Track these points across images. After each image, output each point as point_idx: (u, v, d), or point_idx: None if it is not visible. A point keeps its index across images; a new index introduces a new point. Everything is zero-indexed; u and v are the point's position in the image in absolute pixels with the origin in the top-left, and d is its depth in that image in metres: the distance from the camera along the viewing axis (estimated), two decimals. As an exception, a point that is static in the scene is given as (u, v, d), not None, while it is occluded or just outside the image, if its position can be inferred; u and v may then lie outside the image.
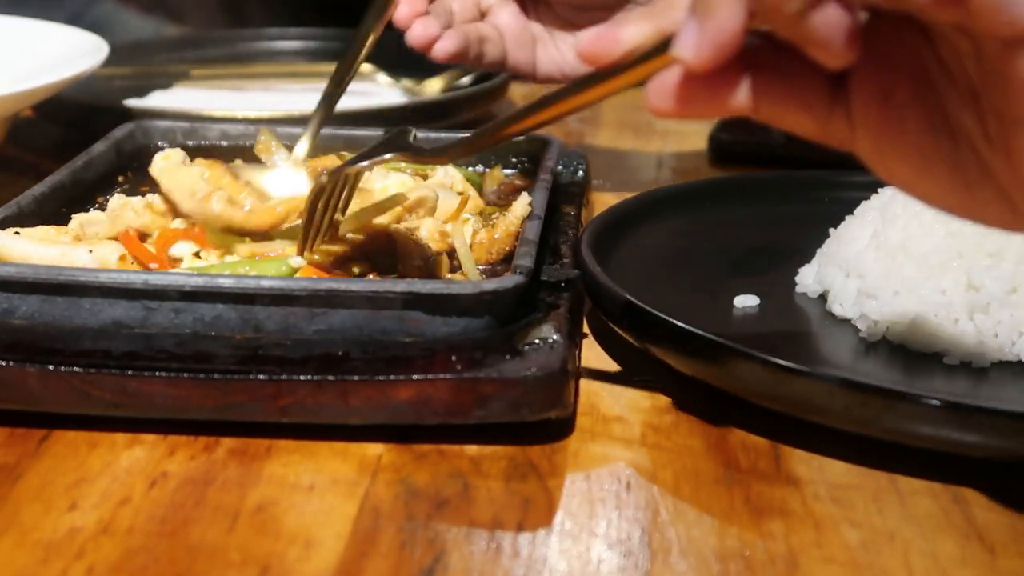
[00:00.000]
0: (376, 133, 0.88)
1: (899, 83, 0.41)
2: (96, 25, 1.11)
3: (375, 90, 1.18)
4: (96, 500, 0.53)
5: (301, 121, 0.93)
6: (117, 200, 0.71)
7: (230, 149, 0.88)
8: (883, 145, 0.41)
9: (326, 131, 0.88)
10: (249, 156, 0.86)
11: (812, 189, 0.87)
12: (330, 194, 0.66)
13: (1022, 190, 0.39)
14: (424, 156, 0.62)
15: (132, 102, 1.08)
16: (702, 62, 0.40)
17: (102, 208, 0.77)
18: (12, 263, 0.64)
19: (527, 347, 0.58)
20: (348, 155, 0.84)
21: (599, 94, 0.47)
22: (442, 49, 0.84)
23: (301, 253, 0.66)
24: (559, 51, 0.89)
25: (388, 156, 0.64)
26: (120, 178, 0.84)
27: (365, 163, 0.65)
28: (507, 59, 0.89)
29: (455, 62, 0.86)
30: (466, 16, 0.88)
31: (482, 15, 0.89)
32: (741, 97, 0.42)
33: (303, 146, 0.83)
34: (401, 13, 0.84)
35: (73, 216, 0.71)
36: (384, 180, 0.78)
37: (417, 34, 0.84)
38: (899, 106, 0.40)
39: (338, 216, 0.68)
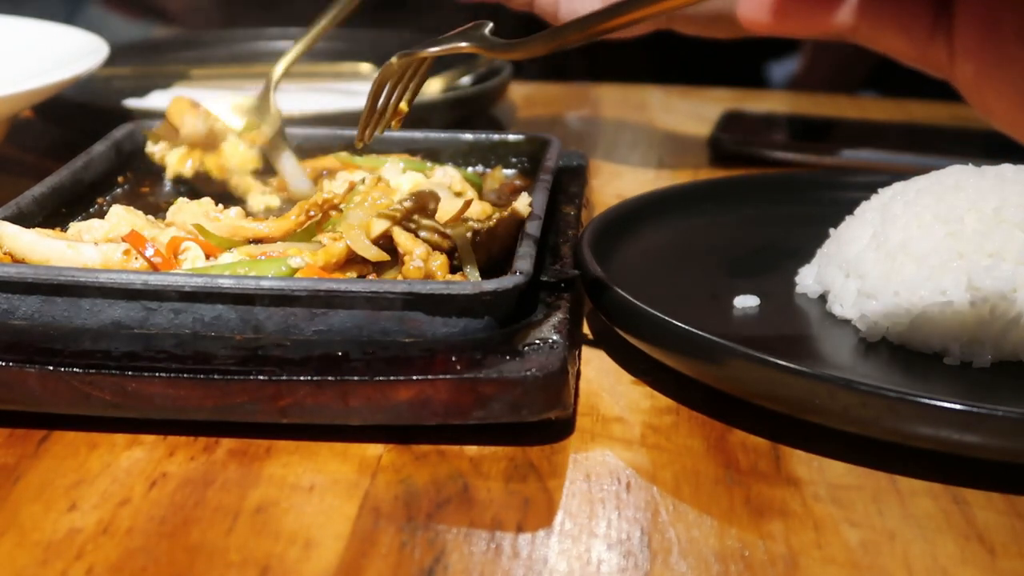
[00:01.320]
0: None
1: (1007, 13, 0.39)
2: (96, 26, 1.11)
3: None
4: (96, 501, 0.53)
5: (301, 121, 0.93)
6: (117, 211, 0.71)
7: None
8: (983, 78, 0.40)
9: (326, 131, 0.88)
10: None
11: (812, 189, 0.87)
12: (396, 81, 0.64)
13: None
14: (499, 50, 0.58)
15: (132, 102, 1.08)
16: None
17: (101, 209, 0.77)
18: (12, 264, 0.64)
19: (527, 348, 0.58)
20: (348, 156, 0.84)
21: None
22: None
23: (359, 143, 0.65)
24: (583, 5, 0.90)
25: (463, 45, 0.59)
26: (120, 179, 0.84)
27: (436, 49, 0.61)
28: (534, 1, 0.90)
29: None
30: None
31: None
32: (841, 14, 0.40)
33: (279, 68, 0.87)
34: None
35: (71, 224, 0.71)
36: (397, 177, 0.78)
37: None
38: (1004, 38, 0.38)
39: (403, 106, 0.65)
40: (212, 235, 0.69)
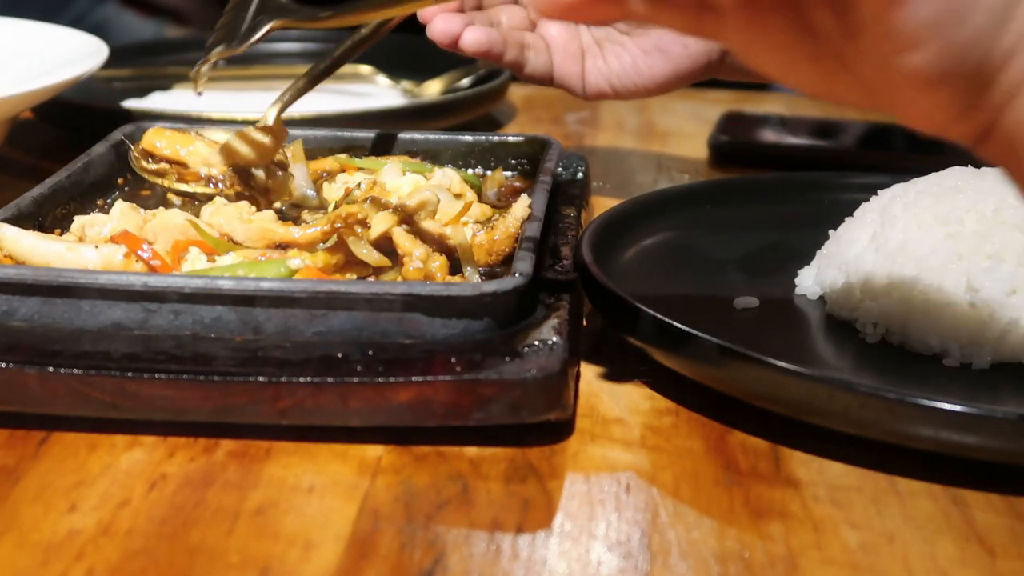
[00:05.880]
0: (373, 134, 0.88)
1: None
2: (97, 28, 1.11)
3: (374, 92, 1.18)
4: (96, 502, 0.53)
5: (300, 123, 0.93)
6: (120, 207, 0.71)
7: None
8: (750, 44, 0.45)
9: (326, 132, 0.88)
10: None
11: (812, 190, 0.87)
12: None
13: (874, 76, 0.43)
14: (303, 19, 0.57)
15: (132, 104, 1.08)
16: None
17: (102, 211, 0.77)
18: (12, 265, 0.64)
19: (526, 349, 0.58)
20: (347, 159, 0.84)
21: None
22: (470, 40, 0.82)
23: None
24: (607, 64, 0.87)
25: (269, 26, 0.57)
26: (120, 180, 0.84)
27: (247, 42, 0.60)
28: (554, 71, 0.87)
29: (489, 59, 0.84)
30: (515, 24, 0.86)
31: (533, 26, 0.87)
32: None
33: (272, 112, 0.82)
34: (429, 9, 0.83)
35: (75, 218, 0.70)
36: (397, 179, 0.78)
37: (438, 29, 0.83)
38: (763, 10, 0.43)
39: None
40: (209, 236, 0.69)
